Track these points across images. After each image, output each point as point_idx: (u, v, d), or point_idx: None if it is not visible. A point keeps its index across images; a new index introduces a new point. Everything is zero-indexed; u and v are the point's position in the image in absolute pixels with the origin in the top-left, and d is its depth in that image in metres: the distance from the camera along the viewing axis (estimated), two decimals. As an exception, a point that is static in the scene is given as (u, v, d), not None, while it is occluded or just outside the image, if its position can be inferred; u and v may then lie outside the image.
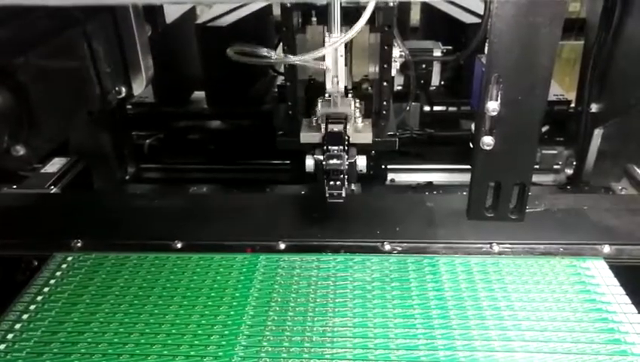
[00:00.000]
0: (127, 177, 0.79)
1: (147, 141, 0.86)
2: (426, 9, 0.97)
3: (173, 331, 0.44)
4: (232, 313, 0.46)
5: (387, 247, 0.54)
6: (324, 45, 0.51)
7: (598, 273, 0.49)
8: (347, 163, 0.54)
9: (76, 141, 0.74)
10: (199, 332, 0.44)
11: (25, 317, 0.46)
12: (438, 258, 0.52)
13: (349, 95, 0.58)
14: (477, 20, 0.78)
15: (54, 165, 0.74)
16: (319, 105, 0.56)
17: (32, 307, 0.47)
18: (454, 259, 0.52)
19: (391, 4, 0.53)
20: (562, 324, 0.44)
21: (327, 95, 0.56)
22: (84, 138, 0.73)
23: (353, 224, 0.57)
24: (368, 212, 0.59)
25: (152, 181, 0.83)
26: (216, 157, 0.86)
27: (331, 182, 0.54)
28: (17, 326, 0.45)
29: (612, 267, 0.50)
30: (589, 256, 0.52)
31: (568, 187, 0.75)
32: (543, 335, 0.43)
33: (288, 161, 0.80)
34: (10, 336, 0.44)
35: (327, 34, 0.52)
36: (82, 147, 0.74)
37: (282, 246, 0.54)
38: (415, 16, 1.02)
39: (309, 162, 0.56)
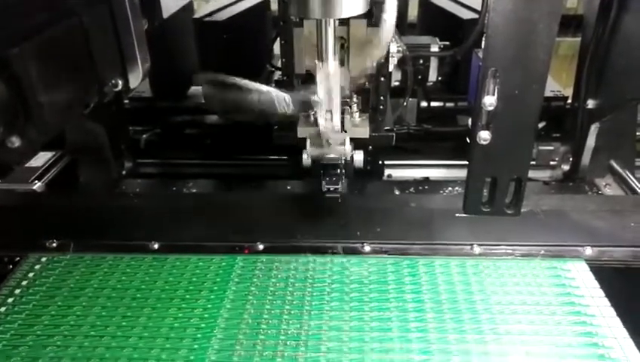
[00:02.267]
0: (124, 172, 0.79)
1: (144, 136, 0.86)
2: (424, 4, 0.97)
3: (145, 334, 0.43)
4: (206, 315, 0.45)
5: (367, 248, 0.53)
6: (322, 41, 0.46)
7: (579, 275, 0.49)
8: (344, 158, 0.54)
9: (72, 135, 0.74)
10: (172, 335, 0.43)
11: None
12: (418, 259, 0.51)
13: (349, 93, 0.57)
14: (474, 16, 0.78)
15: (39, 159, 0.73)
16: (308, 146, 0.51)
17: (2, 309, 0.46)
18: (434, 260, 0.51)
19: None
20: (540, 328, 0.43)
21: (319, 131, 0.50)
22: (80, 132, 0.73)
23: (333, 225, 0.56)
24: (349, 213, 0.58)
25: (149, 176, 0.83)
26: (214, 153, 0.86)
27: (328, 177, 0.54)
28: None
29: (593, 268, 0.49)
30: (570, 258, 0.51)
31: (553, 182, 0.76)
32: (519, 339, 0.42)
33: (285, 156, 0.80)
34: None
35: (319, 63, 0.46)
36: (78, 142, 0.74)
37: (261, 247, 0.53)
38: (413, 12, 1.02)
39: (306, 157, 0.56)
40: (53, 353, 0.42)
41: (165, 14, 0.77)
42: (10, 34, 0.40)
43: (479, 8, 0.72)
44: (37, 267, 0.51)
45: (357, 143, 0.59)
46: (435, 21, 0.89)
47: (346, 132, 0.53)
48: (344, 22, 0.52)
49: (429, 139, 0.82)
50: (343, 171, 0.56)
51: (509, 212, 0.50)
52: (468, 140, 0.48)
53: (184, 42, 0.84)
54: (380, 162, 0.75)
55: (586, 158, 0.71)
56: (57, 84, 0.45)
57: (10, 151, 0.39)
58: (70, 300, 0.47)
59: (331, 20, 0.43)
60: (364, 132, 0.57)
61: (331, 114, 0.48)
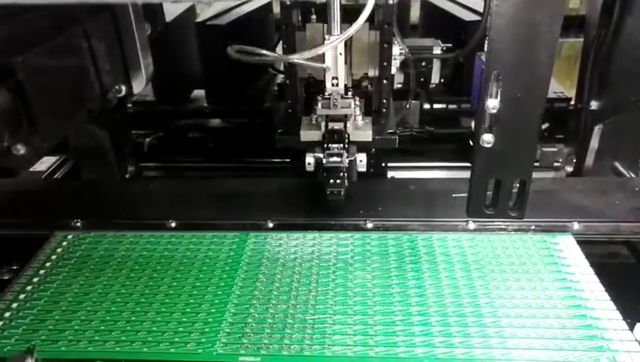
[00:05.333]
0: (127, 175, 0.79)
1: (147, 139, 0.86)
2: (426, 6, 0.97)
3: (167, 300, 0.47)
4: (222, 284, 0.49)
5: (369, 225, 0.56)
6: (323, 43, 0.51)
7: (566, 247, 0.53)
8: (347, 161, 0.54)
9: (75, 139, 0.74)
10: (191, 301, 0.47)
11: (28, 288, 0.49)
12: (417, 234, 0.55)
13: (349, 93, 0.58)
14: (477, 18, 0.78)
15: (43, 163, 0.74)
16: (319, 104, 0.56)
17: (35, 279, 0.50)
18: (432, 235, 0.55)
19: (390, 2, 0.53)
20: (529, 293, 0.47)
21: (326, 94, 0.55)
22: (83, 136, 0.73)
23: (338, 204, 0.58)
24: (353, 194, 0.60)
25: (152, 179, 0.83)
26: (216, 156, 0.86)
27: (331, 180, 0.54)
28: (21, 296, 0.48)
29: (580, 242, 0.53)
30: (559, 232, 0.55)
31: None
32: (510, 302, 0.46)
33: (288, 160, 0.80)
34: (14, 305, 0.47)
35: (327, 35, 0.51)
36: (82, 145, 0.74)
37: (271, 224, 0.57)
38: (415, 14, 1.02)
39: (310, 160, 0.56)
40: (85, 316, 0.46)
41: (167, 19, 0.77)
42: (15, 42, 0.41)
43: (481, 10, 0.72)
44: (64, 243, 0.55)
45: (360, 146, 0.59)
46: (437, 23, 0.89)
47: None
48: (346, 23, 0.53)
49: (432, 141, 0.82)
50: (346, 175, 0.56)
51: (513, 214, 0.50)
52: (471, 143, 0.48)
53: (186, 46, 0.85)
54: (383, 164, 0.75)
55: (589, 160, 0.71)
56: (61, 91, 0.45)
57: (15, 158, 0.39)
58: (96, 272, 0.51)
59: None
60: (367, 135, 0.57)
61: (337, 80, 0.53)
